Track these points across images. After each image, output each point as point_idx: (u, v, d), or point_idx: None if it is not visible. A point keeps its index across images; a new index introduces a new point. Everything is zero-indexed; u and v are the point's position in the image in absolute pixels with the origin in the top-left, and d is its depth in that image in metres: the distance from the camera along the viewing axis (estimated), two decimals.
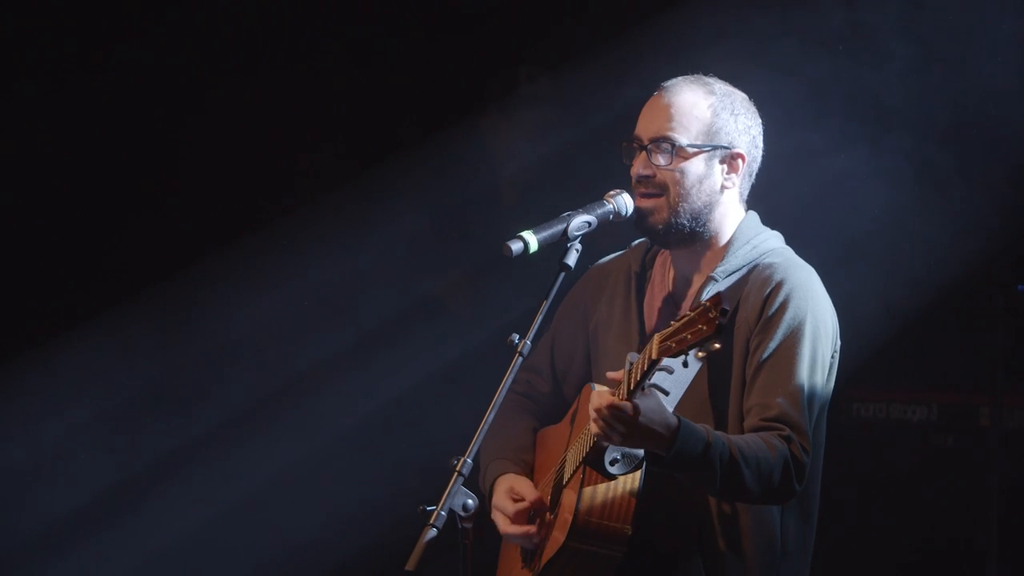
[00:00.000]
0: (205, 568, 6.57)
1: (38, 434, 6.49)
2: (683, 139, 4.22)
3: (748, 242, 4.26)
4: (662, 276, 4.38)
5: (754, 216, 4.33)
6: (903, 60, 5.87)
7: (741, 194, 4.31)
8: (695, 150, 4.22)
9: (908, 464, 6.65)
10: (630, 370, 3.88)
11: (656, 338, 3.80)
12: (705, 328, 3.71)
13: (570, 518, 4.07)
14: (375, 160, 6.73)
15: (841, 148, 5.99)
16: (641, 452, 4.02)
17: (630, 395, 3.87)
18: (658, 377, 3.90)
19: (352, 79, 6.73)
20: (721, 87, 4.29)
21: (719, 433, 3.97)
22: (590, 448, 4.06)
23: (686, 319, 3.76)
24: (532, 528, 4.26)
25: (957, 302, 6.30)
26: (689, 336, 3.74)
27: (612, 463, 4.05)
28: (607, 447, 4.03)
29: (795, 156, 5.96)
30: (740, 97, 4.30)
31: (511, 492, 4.33)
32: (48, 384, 6.48)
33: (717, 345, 3.72)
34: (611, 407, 3.88)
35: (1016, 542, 6.41)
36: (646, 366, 3.83)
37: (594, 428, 3.93)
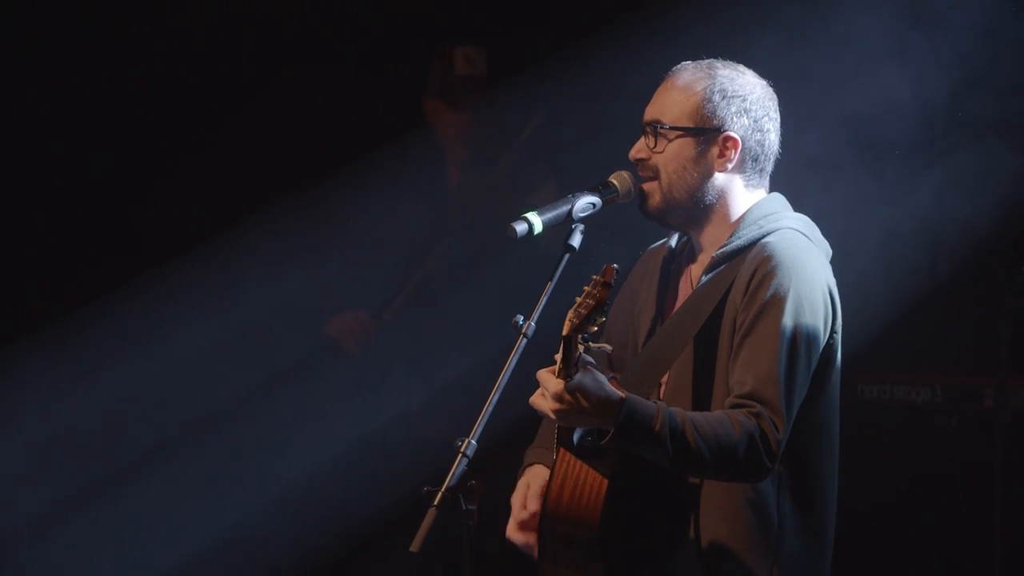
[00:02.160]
0: (207, 551, 6.59)
1: None
2: (672, 122, 4.24)
3: (755, 222, 4.26)
4: (690, 260, 4.40)
5: (775, 199, 4.33)
6: (908, 38, 5.87)
7: (747, 179, 4.30)
8: (678, 132, 4.24)
9: (912, 445, 6.65)
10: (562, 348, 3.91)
11: (569, 313, 3.87)
12: (592, 302, 3.79)
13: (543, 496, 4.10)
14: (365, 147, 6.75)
15: (846, 127, 5.98)
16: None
17: (562, 371, 3.88)
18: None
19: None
20: (726, 71, 4.28)
21: (674, 409, 3.96)
22: (559, 430, 4.07)
23: (585, 292, 3.84)
24: (531, 539, 4.25)
25: (962, 283, 6.30)
26: (583, 311, 3.81)
27: (581, 444, 4.06)
28: (574, 428, 4.04)
29: (797, 133, 5.96)
30: (745, 81, 4.29)
31: (524, 494, 4.32)
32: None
33: (603, 319, 3.80)
34: (544, 385, 3.92)
35: (1020, 524, 6.41)
36: (562, 343, 3.86)
37: (543, 406, 3.96)
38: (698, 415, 3.97)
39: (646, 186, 4.26)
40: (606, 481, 4.04)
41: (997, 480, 6.37)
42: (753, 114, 4.27)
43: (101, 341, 6.58)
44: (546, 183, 6.64)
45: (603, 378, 3.92)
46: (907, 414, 6.71)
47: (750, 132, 4.27)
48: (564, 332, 3.83)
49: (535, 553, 4.23)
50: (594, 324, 3.81)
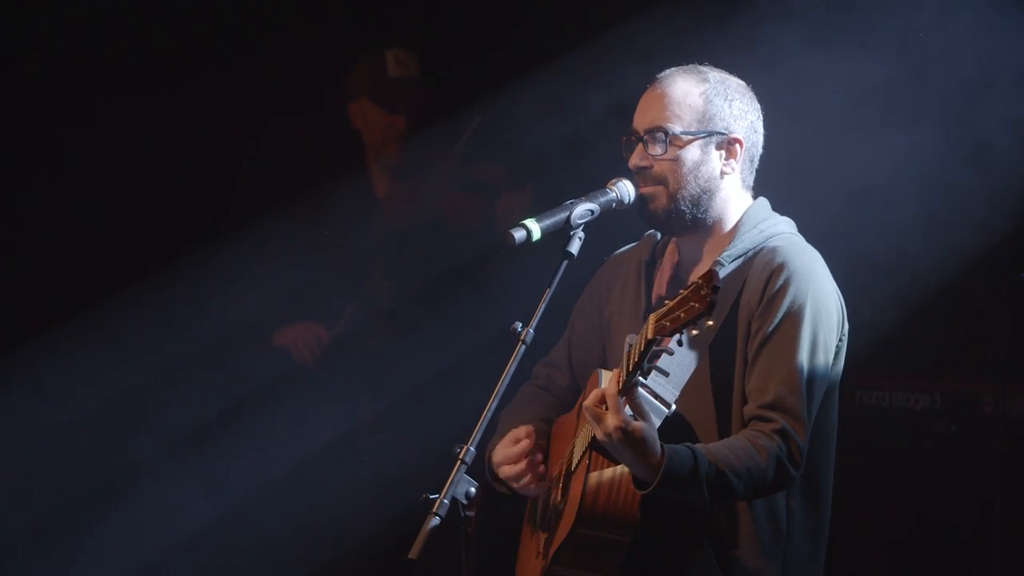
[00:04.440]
0: (204, 560, 6.57)
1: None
2: (676, 127, 4.23)
3: (755, 227, 4.28)
4: (671, 264, 4.40)
5: (763, 202, 4.34)
6: (907, 49, 5.87)
7: (744, 180, 4.32)
8: (689, 137, 4.23)
9: (911, 452, 6.65)
10: (628, 351, 3.90)
11: (651, 317, 3.82)
12: (697, 305, 3.73)
13: (577, 504, 4.07)
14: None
15: (844, 135, 5.98)
16: None
17: (629, 376, 3.88)
18: (661, 360, 3.89)
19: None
20: (716, 75, 4.30)
21: (703, 451, 3.97)
22: (594, 435, 4.05)
23: (680, 297, 3.78)
24: (538, 458, 4.31)
25: (960, 290, 6.30)
26: (682, 314, 3.76)
27: None
28: None
29: (798, 141, 5.95)
30: (736, 83, 4.32)
31: (508, 442, 4.38)
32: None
33: (710, 323, 3.75)
34: (595, 416, 3.93)
35: (1018, 530, 6.41)
36: (643, 346, 3.83)
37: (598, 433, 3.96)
38: (727, 450, 4.00)
39: (649, 190, 4.25)
40: None
41: (996, 486, 6.37)
42: (749, 116, 4.31)
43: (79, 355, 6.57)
44: (518, 187, 6.60)
45: (655, 433, 3.93)
46: (906, 421, 6.70)
47: (750, 133, 4.31)
48: (649, 335, 3.81)
49: (539, 470, 4.31)
50: (697, 328, 3.78)
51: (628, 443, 3.89)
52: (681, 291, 3.78)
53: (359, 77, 6.68)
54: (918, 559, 6.62)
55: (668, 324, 3.78)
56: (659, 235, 4.46)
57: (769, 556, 4.14)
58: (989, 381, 6.56)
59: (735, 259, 4.24)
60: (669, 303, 3.79)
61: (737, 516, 4.14)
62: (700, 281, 3.75)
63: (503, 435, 4.46)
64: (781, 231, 4.29)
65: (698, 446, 3.99)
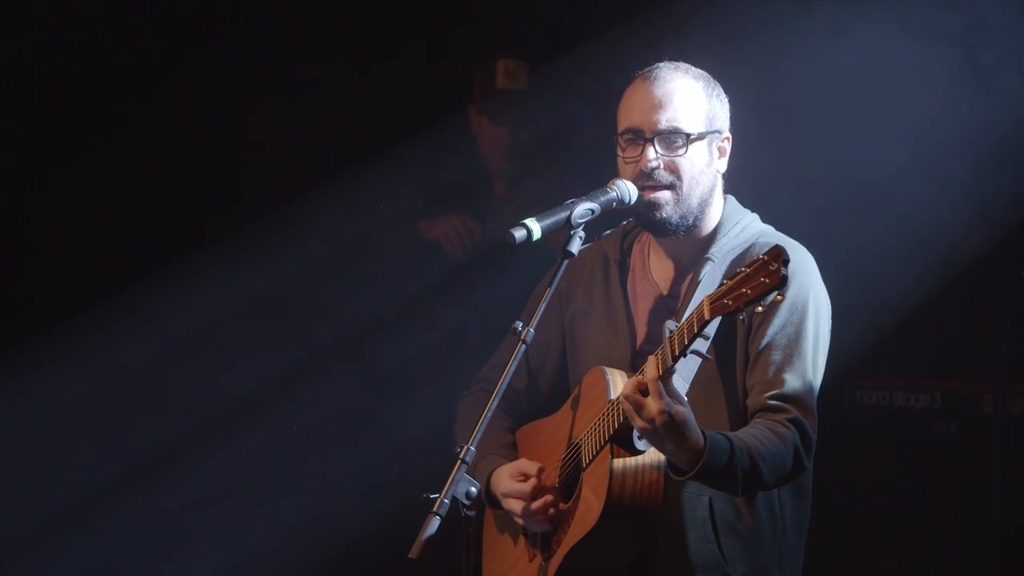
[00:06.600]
0: (206, 559, 6.57)
1: None
2: (692, 128, 4.20)
3: (737, 223, 4.29)
4: (642, 263, 4.38)
5: (734, 200, 4.34)
6: (908, 42, 5.88)
7: (724, 177, 4.32)
8: (700, 137, 4.21)
9: (911, 451, 6.65)
10: (670, 337, 3.87)
11: (706, 300, 3.79)
12: (768, 281, 3.70)
13: (600, 497, 4.06)
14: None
15: (845, 132, 5.99)
16: None
17: (675, 360, 3.87)
18: (697, 344, 3.88)
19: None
20: (698, 71, 4.28)
21: (735, 438, 3.98)
22: (619, 425, 4.03)
23: (742, 275, 3.74)
24: (550, 497, 4.23)
25: (961, 289, 6.30)
26: (749, 291, 3.72)
27: (640, 437, 4.03)
28: (632, 428, 4.01)
29: (798, 139, 5.96)
30: (713, 79, 4.29)
31: (516, 474, 4.30)
32: None
33: (780, 297, 3.72)
34: (636, 403, 3.89)
35: (1018, 530, 6.41)
36: (696, 328, 3.81)
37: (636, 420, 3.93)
38: (752, 437, 4.00)
39: (660, 194, 4.20)
40: (661, 477, 4.07)
41: (996, 486, 6.36)
42: (729, 112, 4.30)
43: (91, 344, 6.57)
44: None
45: (694, 418, 3.91)
46: (906, 421, 6.70)
47: (731, 130, 4.30)
48: (707, 316, 3.79)
49: (550, 514, 4.23)
50: (763, 305, 3.73)
51: (671, 427, 3.88)
52: (742, 269, 3.74)
53: (474, 85, 6.69)
54: (918, 558, 6.62)
55: (730, 303, 3.74)
56: (624, 233, 4.42)
57: (769, 549, 4.16)
58: (989, 381, 6.56)
59: (725, 254, 4.24)
60: (728, 282, 3.76)
61: (739, 509, 4.15)
62: (766, 257, 3.71)
63: (487, 455, 4.37)
64: (763, 228, 4.31)
65: (729, 433, 3.99)
